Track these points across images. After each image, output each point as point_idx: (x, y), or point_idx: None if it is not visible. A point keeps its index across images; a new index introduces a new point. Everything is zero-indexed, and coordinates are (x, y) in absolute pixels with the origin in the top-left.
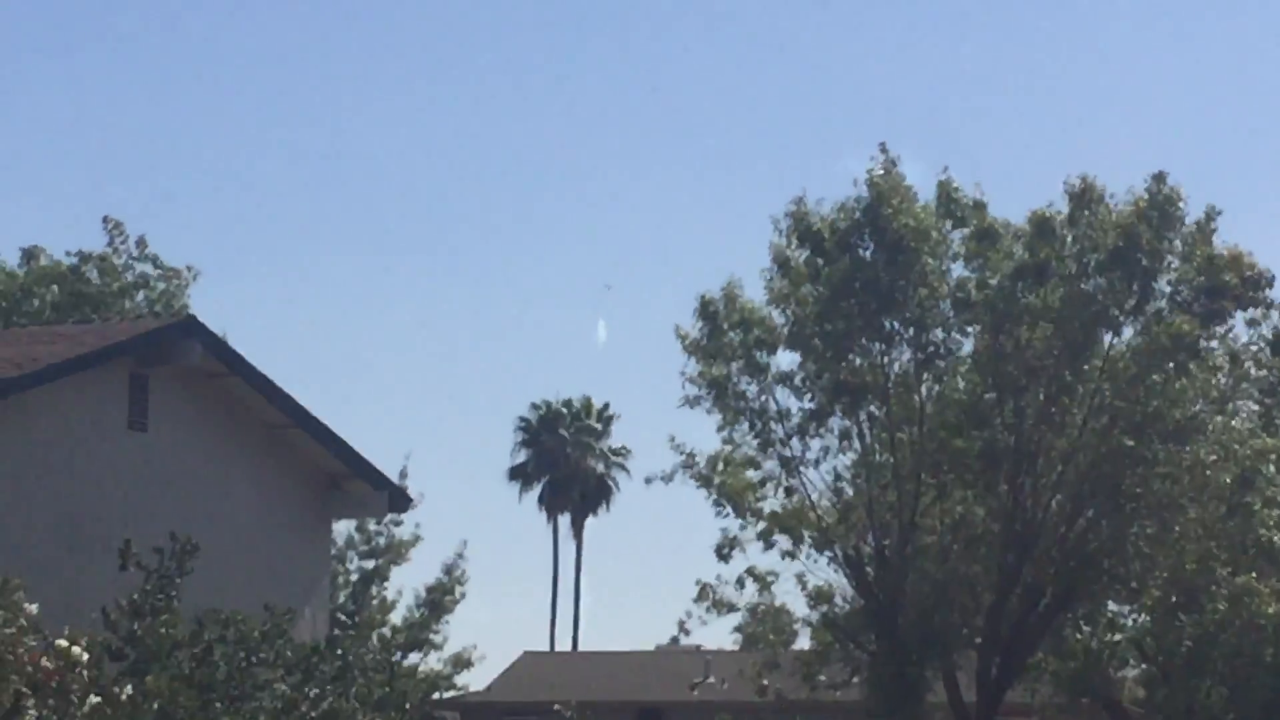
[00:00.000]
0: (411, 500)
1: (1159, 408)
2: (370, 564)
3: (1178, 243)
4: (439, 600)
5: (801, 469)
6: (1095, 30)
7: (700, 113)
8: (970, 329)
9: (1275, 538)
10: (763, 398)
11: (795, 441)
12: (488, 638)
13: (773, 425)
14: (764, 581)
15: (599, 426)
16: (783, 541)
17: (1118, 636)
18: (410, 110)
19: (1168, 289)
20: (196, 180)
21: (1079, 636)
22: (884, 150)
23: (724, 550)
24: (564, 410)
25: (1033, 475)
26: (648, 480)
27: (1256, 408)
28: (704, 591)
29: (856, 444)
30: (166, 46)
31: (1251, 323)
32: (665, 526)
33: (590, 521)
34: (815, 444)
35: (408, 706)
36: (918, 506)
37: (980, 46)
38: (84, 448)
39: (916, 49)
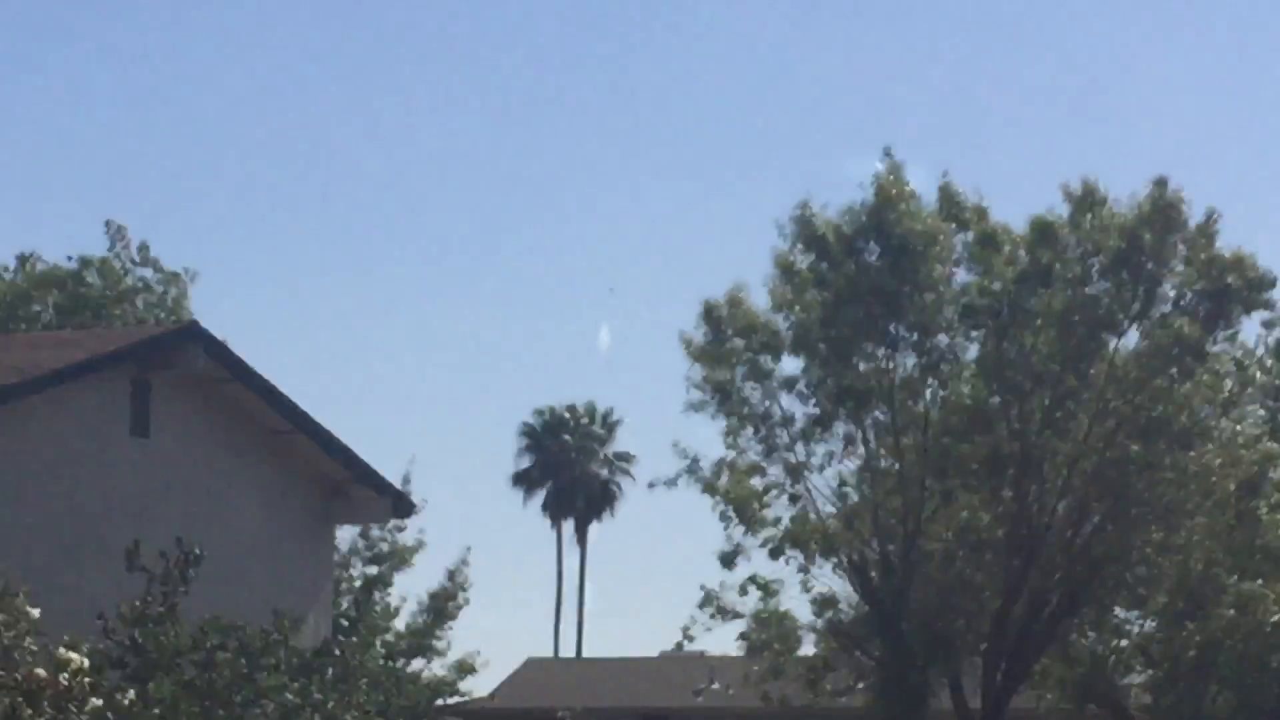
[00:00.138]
0: (415, 506)
1: (1164, 412)
2: (374, 570)
3: (1181, 247)
4: (442, 606)
5: (806, 474)
6: (1094, 33)
7: (703, 119)
8: (974, 334)
9: None
10: (767, 403)
11: (800, 447)
12: (492, 644)
13: (777, 431)
14: (769, 589)
15: (603, 432)
16: (794, 555)
17: (1124, 642)
18: (414, 116)
19: (1171, 293)
20: (199, 185)
21: (1085, 642)
22: (889, 154)
23: (729, 558)
24: (568, 416)
25: (1038, 480)
26: (651, 485)
27: (1263, 412)
28: (708, 598)
29: (861, 449)
30: (167, 50)
31: (1268, 324)
32: (669, 532)
33: (594, 527)
34: (820, 449)
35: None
36: (922, 512)
37: (980, 50)
38: (86, 454)
39: (918, 53)
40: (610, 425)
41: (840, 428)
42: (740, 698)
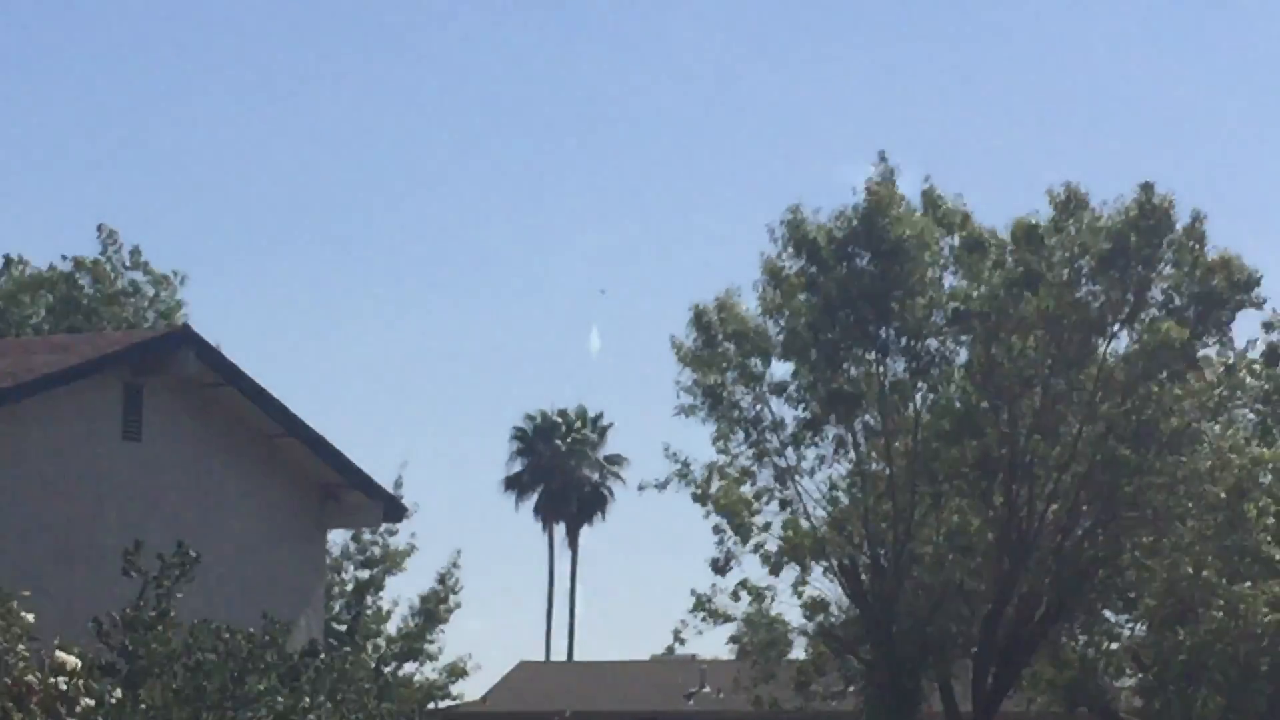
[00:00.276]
0: (406, 510)
1: (1154, 416)
2: (365, 574)
3: (1169, 252)
4: (434, 609)
5: (796, 478)
6: (1079, 38)
7: (694, 122)
8: (964, 338)
9: (1275, 553)
10: (757, 407)
11: (790, 451)
12: (483, 647)
13: (767, 435)
14: (759, 595)
15: (594, 436)
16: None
17: (1114, 646)
18: (405, 119)
19: (1160, 296)
20: (190, 187)
21: (1075, 646)
22: (883, 158)
23: (721, 566)
24: (559, 420)
25: (1028, 484)
26: (640, 487)
27: (1252, 417)
28: (699, 603)
29: (851, 453)
30: (161, 52)
31: (1267, 326)
32: (661, 536)
33: (586, 531)
34: (810, 453)
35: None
36: (913, 516)
37: (970, 57)
38: (78, 458)
39: (908, 60)
40: (601, 429)
41: (830, 432)
42: (731, 701)
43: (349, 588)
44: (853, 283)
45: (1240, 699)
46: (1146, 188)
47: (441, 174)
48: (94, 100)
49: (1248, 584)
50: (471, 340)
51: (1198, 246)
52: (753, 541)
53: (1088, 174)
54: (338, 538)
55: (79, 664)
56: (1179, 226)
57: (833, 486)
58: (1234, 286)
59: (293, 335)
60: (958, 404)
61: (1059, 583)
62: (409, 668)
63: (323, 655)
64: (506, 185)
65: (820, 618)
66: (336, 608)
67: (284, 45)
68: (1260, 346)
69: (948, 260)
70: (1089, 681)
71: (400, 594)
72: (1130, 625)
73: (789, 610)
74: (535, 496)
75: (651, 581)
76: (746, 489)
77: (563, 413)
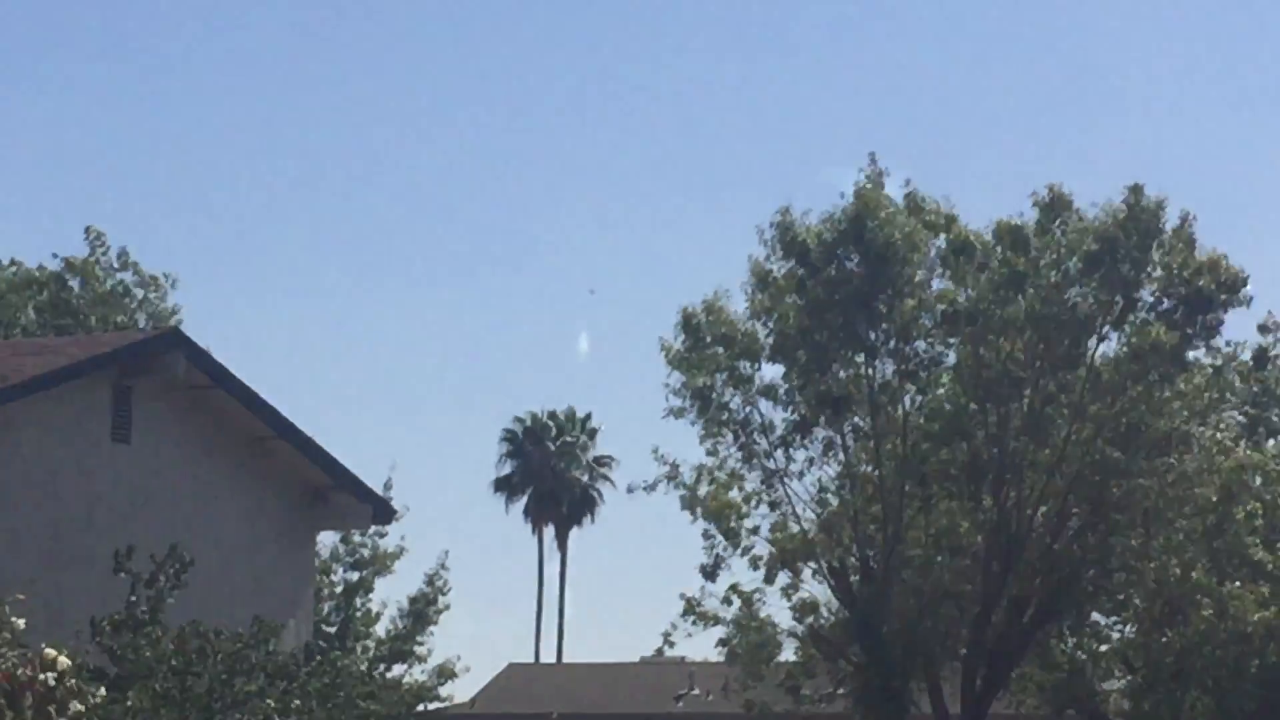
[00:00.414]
0: (396, 512)
1: (1142, 418)
2: (355, 576)
3: (1157, 254)
4: (422, 611)
5: (785, 480)
6: (1070, 40)
7: (682, 125)
8: (952, 340)
9: (1261, 555)
10: (746, 409)
11: (779, 453)
12: (473, 649)
13: (756, 437)
14: (749, 599)
15: (584, 438)
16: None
17: (1103, 647)
18: (395, 123)
19: (1150, 299)
20: (180, 190)
21: (1064, 648)
22: (873, 160)
23: (711, 571)
24: (549, 422)
25: (1017, 486)
26: (630, 489)
27: (1241, 419)
28: (689, 605)
29: (840, 455)
30: (152, 54)
31: (1263, 329)
32: (650, 538)
33: (575, 533)
34: (799, 456)
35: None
36: (902, 518)
37: (958, 60)
38: (67, 460)
39: (897, 63)
40: (591, 431)
41: (819, 434)
42: (720, 703)
43: (338, 590)
44: (841, 285)
45: (1229, 700)
46: (1136, 189)
47: (431, 176)
48: (77, 107)
49: (1236, 584)
50: (461, 342)
51: (1186, 248)
52: (741, 546)
53: (1077, 176)
54: (327, 539)
55: (69, 664)
56: (1168, 228)
57: (822, 489)
58: (1221, 287)
59: (282, 337)
60: (947, 406)
61: (1048, 585)
62: (398, 670)
63: (318, 658)
64: (495, 187)
65: (809, 620)
66: (326, 609)
67: (274, 48)
68: (1249, 349)
69: (934, 263)
70: (1078, 683)
71: (390, 596)
72: (1119, 627)
73: (778, 613)
74: (525, 498)
75: (641, 583)
76: (735, 493)
77: (552, 415)
